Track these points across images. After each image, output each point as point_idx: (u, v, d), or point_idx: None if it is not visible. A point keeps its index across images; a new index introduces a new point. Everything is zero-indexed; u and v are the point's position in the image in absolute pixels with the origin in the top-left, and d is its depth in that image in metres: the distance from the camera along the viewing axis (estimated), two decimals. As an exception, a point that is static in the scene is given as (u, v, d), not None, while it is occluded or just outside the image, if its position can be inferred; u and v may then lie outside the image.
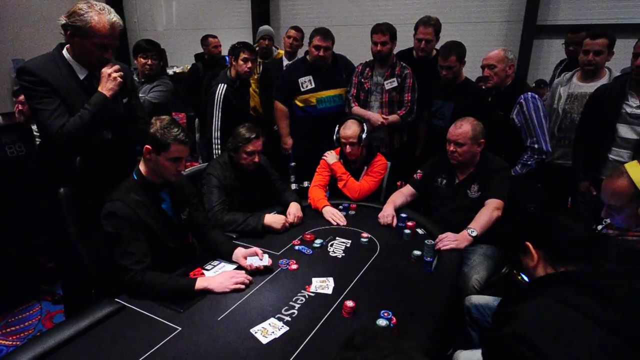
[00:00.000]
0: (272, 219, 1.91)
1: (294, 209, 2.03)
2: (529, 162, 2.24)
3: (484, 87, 2.47)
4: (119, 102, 1.68)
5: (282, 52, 3.51)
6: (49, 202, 1.60)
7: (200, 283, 1.41)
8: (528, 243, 1.06)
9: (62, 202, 1.51)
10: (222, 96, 2.59)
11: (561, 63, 3.15)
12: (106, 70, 1.60)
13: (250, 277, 1.49)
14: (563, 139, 2.47)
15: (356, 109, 2.65)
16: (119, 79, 1.61)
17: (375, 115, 2.56)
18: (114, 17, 1.53)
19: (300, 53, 3.40)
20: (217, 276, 1.48)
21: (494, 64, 2.26)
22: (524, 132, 2.24)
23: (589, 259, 1.01)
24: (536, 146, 2.21)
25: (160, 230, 1.53)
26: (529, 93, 2.23)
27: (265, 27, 3.62)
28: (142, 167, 1.55)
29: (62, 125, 1.52)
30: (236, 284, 1.43)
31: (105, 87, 1.59)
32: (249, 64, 2.62)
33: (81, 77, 1.60)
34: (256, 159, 2.03)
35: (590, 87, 2.35)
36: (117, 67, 1.62)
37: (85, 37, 1.50)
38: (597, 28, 3.73)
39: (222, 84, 2.62)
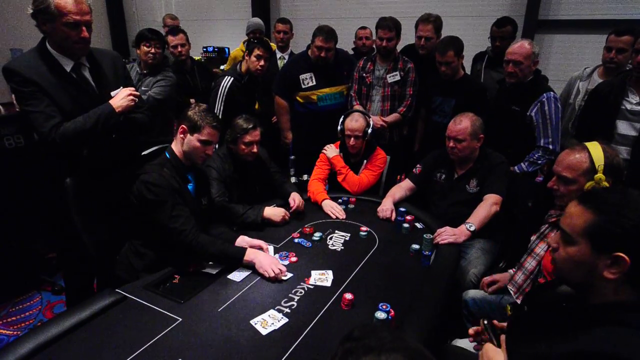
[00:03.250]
0: (272, 212, 1.92)
1: (297, 197, 2.05)
2: (539, 162, 2.21)
3: (506, 82, 2.32)
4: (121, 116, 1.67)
5: (273, 45, 3.48)
6: (53, 192, 1.61)
7: (249, 254, 1.50)
8: (622, 254, 0.76)
9: (68, 192, 1.52)
10: (226, 89, 2.54)
11: (481, 56, 2.99)
12: (127, 90, 1.64)
13: (286, 273, 1.49)
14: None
15: (357, 109, 2.64)
16: (133, 103, 1.65)
17: (374, 118, 2.53)
18: None
19: (292, 44, 3.37)
20: (266, 256, 1.53)
21: (521, 60, 2.11)
22: (539, 131, 2.18)
23: None
24: (550, 147, 2.18)
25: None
26: (551, 93, 2.16)
27: (255, 20, 3.54)
28: (174, 147, 1.63)
29: (55, 125, 1.50)
30: (275, 274, 1.45)
31: (118, 103, 1.61)
32: (262, 62, 2.53)
33: (68, 68, 1.57)
34: (254, 150, 2.03)
35: None
36: (137, 93, 1.68)
37: (54, 19, 1.45)
38: (599, 23, 3.71)
39: (229, 77, 2.56)
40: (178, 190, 1.54)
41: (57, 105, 1.52)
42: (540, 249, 1.44)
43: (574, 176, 1.28)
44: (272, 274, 1.45)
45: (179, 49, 3.01)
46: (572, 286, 0.90)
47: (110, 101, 1.61)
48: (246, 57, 2.58)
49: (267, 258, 1.51)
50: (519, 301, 1.44)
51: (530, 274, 1.44)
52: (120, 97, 1.62)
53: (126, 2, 7.14)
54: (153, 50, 2.57)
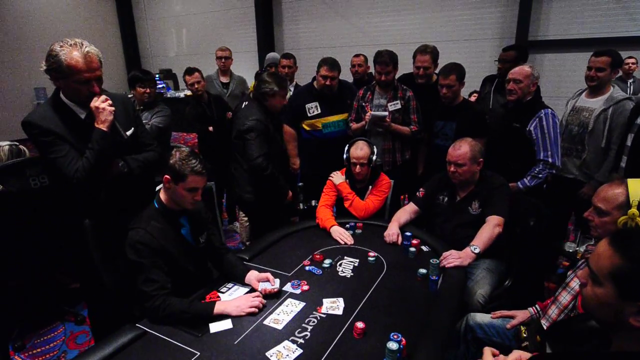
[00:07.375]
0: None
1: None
2: (540, 175, 2.30)
3: (507, 100, 2.52)
4: (119, 131, 1.68)
5: None
6: (74, 231, 1.66)
7: (218, 307, 1.47)
8: None
9: (87, 233, 1.59)
10: None
11: (491, 78, 3.17)
12: (94, 104, 1.58)
13: (264, 301, 1.55)
14: (563, 148, 2.50)
15: (354, 126, 2.77)
16: (109, 108, 1.60)
17: (380, 113, 2.61)
18: (86, 48, 1.51)
19: (297, 76, 3.56)
20: (233, 300, 1.53)
21: (521, 79, 2.34)
22: (538, 145, 2.30)
23: None
24: (550, 160, 2.27)
25: (180, 255, 1.60)
26: (549, 109, 2.31)
27: (272, 55, 3.78)
28: (162, 195, 1.63)
29: (76, 170, 1.58)
30: (251, 307, 1.49)
31: (100, 121, 1.58)
32: None
33: (82, 116, 1.64)
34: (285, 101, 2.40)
35: (593, 103, 2.45)
36: (103, 97, 1.60)
37: (66, 77, 1.50)
38: (587, 42, 3.83)
39: None
40: (162, 249, 1.52)
41: (77, 150, 1.60)
42: (575, 283, 1.40)
43: (608, 208, 1.28)
44: (253, 310, 1.48)
45: (196, 86, 3.32)
46: (600, 325, 0.86)
47: (95, 125, 1.59)
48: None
49: (237, 302, 1.50)
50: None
51: (565, 308, 1.41)
52: (97, 115, 1.58)
53: (141, 40, 7.50)
54: (149, 90, 2.86)
